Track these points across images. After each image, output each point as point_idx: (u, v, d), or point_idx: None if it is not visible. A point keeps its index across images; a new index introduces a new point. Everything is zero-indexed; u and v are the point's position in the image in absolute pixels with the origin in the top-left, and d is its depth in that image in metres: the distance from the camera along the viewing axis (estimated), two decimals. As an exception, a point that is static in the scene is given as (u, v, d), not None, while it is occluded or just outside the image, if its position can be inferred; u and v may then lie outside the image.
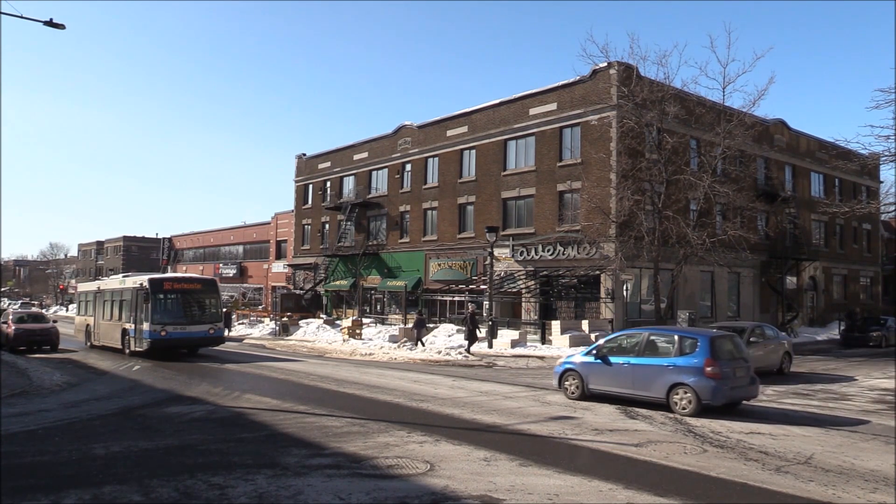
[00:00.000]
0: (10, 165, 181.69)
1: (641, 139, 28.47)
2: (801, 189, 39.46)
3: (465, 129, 36.34)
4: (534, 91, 32.70)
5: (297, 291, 47.58)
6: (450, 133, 37.33)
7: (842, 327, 33.19)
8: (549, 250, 30.34)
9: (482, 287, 30.60)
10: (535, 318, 30.85)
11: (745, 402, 12.68)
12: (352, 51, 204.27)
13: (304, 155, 50.64)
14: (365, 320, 35.83)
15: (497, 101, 34.61)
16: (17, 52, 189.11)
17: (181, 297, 23.03)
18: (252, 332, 38.24)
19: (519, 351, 25.26)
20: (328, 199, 46.64)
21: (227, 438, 9.51)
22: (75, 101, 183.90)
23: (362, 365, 21.81)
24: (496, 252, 29.94)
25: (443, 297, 36.14)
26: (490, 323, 26.96)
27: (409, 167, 40.14)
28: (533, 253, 30.99)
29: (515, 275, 31.97)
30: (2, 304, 69.15)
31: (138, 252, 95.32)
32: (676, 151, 28.55)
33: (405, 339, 28.02)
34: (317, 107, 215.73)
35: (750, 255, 31.43)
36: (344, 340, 30.63)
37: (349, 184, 45.50)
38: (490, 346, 26.20)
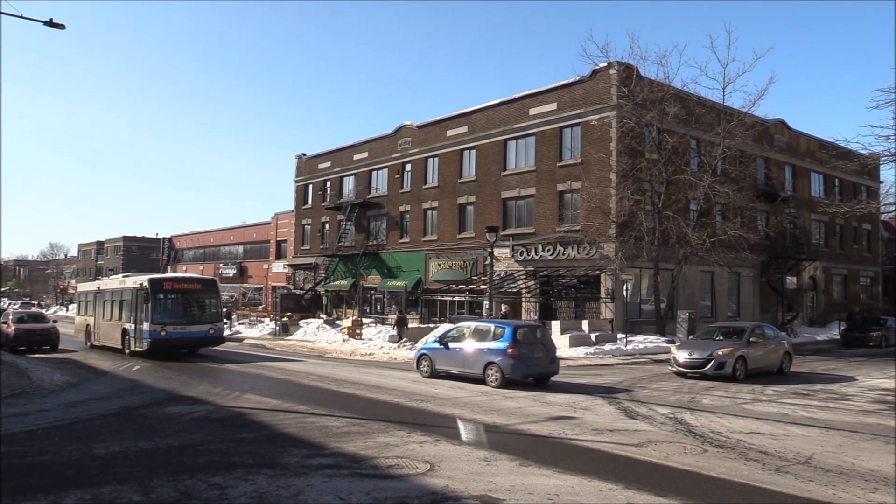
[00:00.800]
0: (10, 165, 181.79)
1: (641, 139, 28.48)
2: (801, 189, 39.46)
3: (465, 129, 36.34)
4: (534, 91, 32.70)
5: (297, 291, 47.59)
6: (450, 133, 37.33)
7: (842, 327, 33.19)
8: (549, 250, 30.34)
9: (482, 287, 30.60)
10: (536, 318, 30.85)
11: (551, 378, 16.35)
12: (352, 50, 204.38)
13: (304, 155, 50.65)
14: (365, 320, 35.84)
15: (497, 101, 34.61)
16: (17, 52, 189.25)
17: (181, 297, 23.03)
18: (252, 332, 38.23)
19: (519, 351, 25.21)
20: (328, 199, 46.65)
21: (227, 438, 9.51)
22: (75, 100, 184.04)
23: (362, 365, 21.82)
24: (496, 252, 29.94)
25: (443, 297, 36.14)
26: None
27: (409, 167, 40.14)
28: (533, 253, 30.99)
29: (515, 275, 31.97)
30: (2, 304, 69.14)
31: (138, 252, 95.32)
32: (676, 151, 28.56)
33: (405, 338, 28.03)
34: (317, 107, 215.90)
35: (750, 255, 31.45)
36: (344, 340, 30.63)
37: (349, 184, 45.50)
38: (490, 346, 26.17)
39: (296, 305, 44.27)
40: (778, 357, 19.04)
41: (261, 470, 7.55)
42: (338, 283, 44.25)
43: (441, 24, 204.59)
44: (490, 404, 12.83)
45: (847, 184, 42.69)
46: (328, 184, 47.49)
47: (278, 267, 55.64)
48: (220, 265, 65.94)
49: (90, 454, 8.51)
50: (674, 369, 18.10)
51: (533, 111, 32.50)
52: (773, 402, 13.64)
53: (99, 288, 27.87)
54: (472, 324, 17.61)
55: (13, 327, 25.67)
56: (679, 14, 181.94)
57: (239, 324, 41.26)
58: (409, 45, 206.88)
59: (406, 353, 24.82)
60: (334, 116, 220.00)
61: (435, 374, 17.28)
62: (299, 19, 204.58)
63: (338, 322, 37.79)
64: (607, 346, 24.93)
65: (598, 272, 28.50)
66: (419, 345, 21.96)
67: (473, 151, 35.82)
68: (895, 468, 8.01)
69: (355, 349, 26.85)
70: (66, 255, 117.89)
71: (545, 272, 30.89)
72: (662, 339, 26.76)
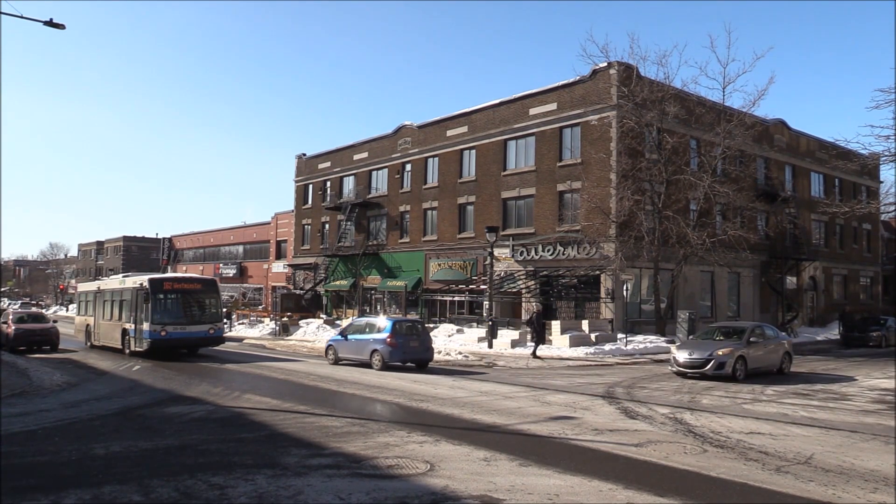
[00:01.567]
0: (10, 165, 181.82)
1: (641, 139, 28.48)
2: (801, 189, 39.46)
3: (465, 129, 36.34)
4: (534, 91, 32.70)
5: (297, 291, 47.59)
6: (450, 133, 37.33)
7: (841, 327, 33.20)
8: (549, 250, 30.33)
9: (482, 287, 30.60)
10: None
11: (427, 363, 19.84)
12: (352, 50, 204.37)
13: (304, 155, 50.65)
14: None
15: (497, 101, 34.62)
16: (17, 52, 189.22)
17: (181, 297, 23.02)
18: (252, 332, 38.23)
19: (519, 351, 25.24)
20: (328, 199, 46.65)
21: (227, 438, 9.51)
22: (75, 100, 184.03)
23: (362, 364, 21.79)
24: (496, 252, 29.94)
25: (443, 297, 36.14)
26: (490, 323, 26.96)
27: (409, 167, 40.14)
28: (533, 253, 30.99)
29: (515, 275, 31.97)
30: (2, 304, 69.14)
31: (138, 252, 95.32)
32: (676, 151, 28.56)
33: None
34: (317, 107, 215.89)
35: (750, 255, 31.44)
36: (344, 340, 30.57)
37: (349, 184, 45.51)
38: (490, 346, 26.18)
39: (296, 305, 44.28)
40: (778, 357, 19.04)
41: (261, 470, 7.55)
42: (338, 283, 44.25)
43: (441, 24, 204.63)
44: (490, 404, 12.83)
45: (847, 184, 42.69)
46: (328, 184, 47.49)
47: (278, 267, 55.64)
48: (220, 265, 65.94)
49: (90, 454, 8.51)
50: (674, 369, 18.10)
51: (533, 111, 32.50)
52: (773, 402, 13.63)
53: (99, 288, 27.87)
54: (364, 320, 21.96)
55: (13, 327, 25.66)
56: (679, 14, 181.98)
57: (239, 324, 41.26)
58: (409, 45, 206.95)
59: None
60: (334, 116, 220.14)
61: (338, 361, 21.01)
62: (299, 19, 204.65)
63: (338, 322, 37.79)
64: (607, 346, 24.93)
65: (598, 272, 28.50)
66: (326, 336, 26.69)
67: (473, 151, 35.82)
68: (895, 468, 8.01)
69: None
70: (66, 255, 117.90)
71: (545, 272, 30.89)
72: (662, 339, 26.77)
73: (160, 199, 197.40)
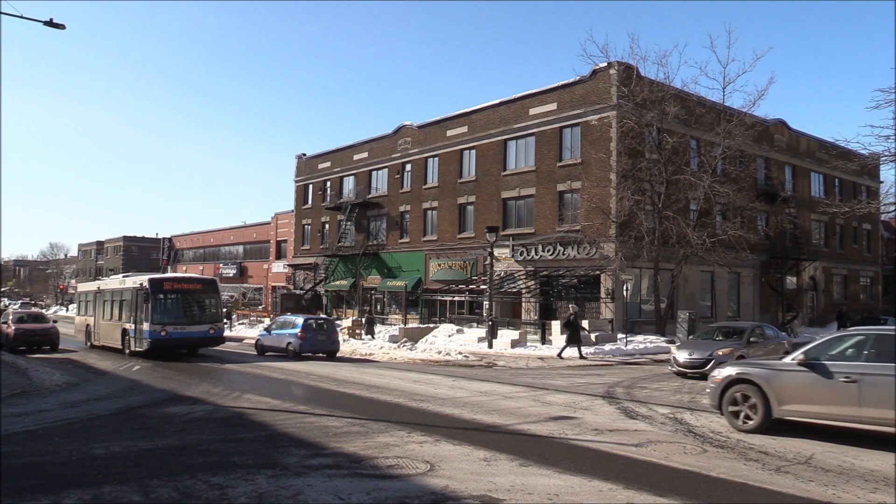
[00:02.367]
0: (10, 165, 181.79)
1: (641, 139, 28.47)
2: (801, 189, 39.46)
3: (465, 129, 36.34)
4: (534, 91, 32.70)
5: (298, 291, 47.59)
6: (450, 133, 37.33)
7: (839, 327, 33.19)
8: (549, 250, 30.33)
9: (482, 287, 30.60)
10: (535, 318, 30.85)
11: (335, 354, 24.13)
12: (352, 51, 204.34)
13: (304, 155, 50.65)
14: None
15: (497, 101, 34.62)
16: (17, 52, 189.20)
17: (181, 297, 23.02)
18: (252, 332, 38.19)
19: (519, 351, 25.24)
20: (328, 199, 46.65)
21: (228, 438, 9.50)
22: (75, 100, 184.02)
23: (362, 365, 21.80)
24: (496, 252, 29.94)
25: (443, 297, 36.14)
26: (490, 323, 26.96)
27: (409, 167, 40.14)
28: (533, 253, 30.98)
29: (515, 275, 31.97)
30: (2, 304, 69.13)
31: (138, 252, 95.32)
32: (676, 151, 28.55)
33: (405, 338, 28.04)
34: (317, 107, 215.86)
35: (750, 255, 31.43)
36: (344, 340, 30.60)
37: (349, 184, 45.51)
38: (490, 346, 26.17)
39: (296, 305, 44.27)
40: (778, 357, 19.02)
41: (261, 470, 7.55)
42: (338, 283, 44.24)
43: (441, 25, 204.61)
44: (490, 404, 12.83)
45: (847, 184, 42.69)
46: (328, 184, 47.49)
47: (278, 267, 55.63)
48: (220, 265, 65.94)
49: (90, 454, 8.50)
50: (674, 369, 18.09)
51: (533, 111, 32.50)
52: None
53: (99, 288, 27.86)
54: (284, 318, 26.48)
55: (13, 327, 25.67)
56: (679, 14, 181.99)
57: (239, 324, 41.27)
58: (409, 45, 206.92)
59: (406, 353, 24.84)
60: (334, 116, 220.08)
61: (264, 352, 25.06)
62: (299, 19, 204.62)
63: (338, 322, 37.78)
64: (607, 346, 24.92)
65: (598, 272, 28.50)
66: (254, 332, 32.48)
67: (473, 151, 35.82)
68: (895, 468, 8.01)
69: (355, 349, 26.85)
70: (66, 255, 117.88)
71: (545, 272, 30.89)
72: (662, 339, 26.76)
73: (160, 199, 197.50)
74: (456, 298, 35.34)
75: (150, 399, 13.71)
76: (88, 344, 27.79)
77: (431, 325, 32.13)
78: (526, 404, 12.89)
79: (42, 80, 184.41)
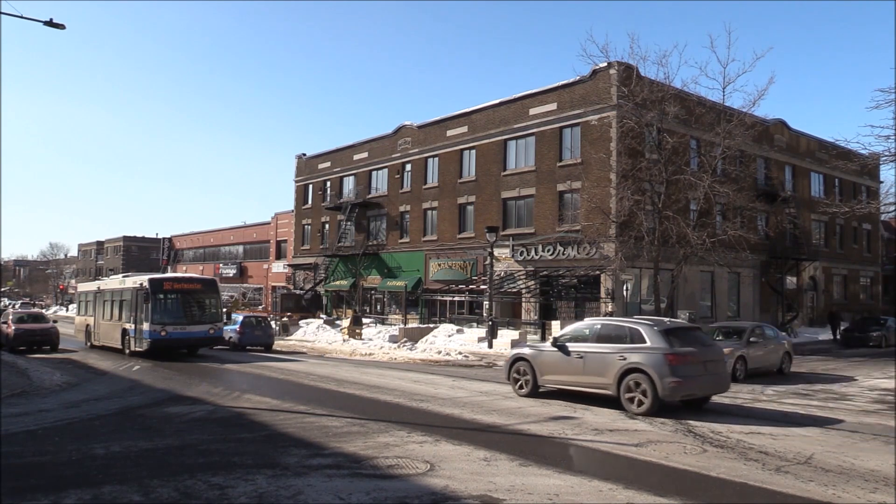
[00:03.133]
0: (10, 165, 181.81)
1: (641, 139, 28.45)
2: (801, 189, 39.46)
3: (465, 129, 36.33)
4: (534, 91, 32.69)
5: (297, 291, 47.58)
6: (450, 133, 37.32)
7: (840, 328, 33.16)
8: (549, 250, 30.33)
9: (482, 287, 30.60)
10: (535, 318, 30.85)
11: (270, 346, 27.86)
12: (352, 51, 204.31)
13: (304, 155, 50.64)
14: (365, 320, 35.84)
15: (497, 101, 34.61)
16: (17, 52, 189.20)
17: (181, 297, 23.03)
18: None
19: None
20: (328, 199, 46.64)
21: (228, 438, 9.51)
22: (75, 100, 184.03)
23: (362, 365, 21.81)
24: (496, 252, 29.94)
25: (443, 297, 36.14)
26: (490, 323, 26.96)
27: (409, 167, 40.13)
28: (533, 253, 30.98)
29: (515, 275, 31.96)
30: (2, 304, 69.13)
31: (138, 252, 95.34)
32: (676, 151, 28.52)
33: (405, 338, 28.05)
34: (317, 107, 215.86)
35: (750, 255, 31.41)
36: (344, 340, 30.64)
37: (349, 184, 45.50)
38: (490, 346, 26.18)
39: (296, 305, 44.29)
40: (778, 357, 19.04)
41: (261, 470, 7.55)
42: (338, 283, 44.24)
43: (441, 25, 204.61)
44: (490, 404, 12.83)
45: (847, 184, 42.68)
46: (328, 184, 47.48)
47: (278, 267, 55.63)
48: (220, 265, 65.93)
49: (90, 454, 8.51)
50: (674, 369, 18.07)
51: (533, 111, 32.49)
52: (773, 402, 13.64)
53: (99, 288, 27.87)
54: (234, 316, 29.24)
55: (13, 327, 25.67)
56: (679, 14, 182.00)
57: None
58: (409, 45, 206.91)
59: (406, 353, 24.84)
60: (334, 116, 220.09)
61: (240, 347, 27.83)
62: (299, 19, 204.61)
63: (338, 322, 37.80)
64: (607, 346, 24.87)
65: (598, 272, 28.49)
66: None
67: (473, 151, 35.81)
68: (895, 468, 8.01)
69: (355, 349, 26.87)
70: (66, 255, 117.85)
71: (545, 272, 30.89)
72: (662, 339, 26.68)
73: (160, 199, 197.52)
74: (456, 298, 35.34)
75: (150, 399, 13.71)
76: (88, 344, 27.80)
77: (431, 326, 32.13)
78: (526, 404, 12.90)
79: (42, 80, 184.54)
